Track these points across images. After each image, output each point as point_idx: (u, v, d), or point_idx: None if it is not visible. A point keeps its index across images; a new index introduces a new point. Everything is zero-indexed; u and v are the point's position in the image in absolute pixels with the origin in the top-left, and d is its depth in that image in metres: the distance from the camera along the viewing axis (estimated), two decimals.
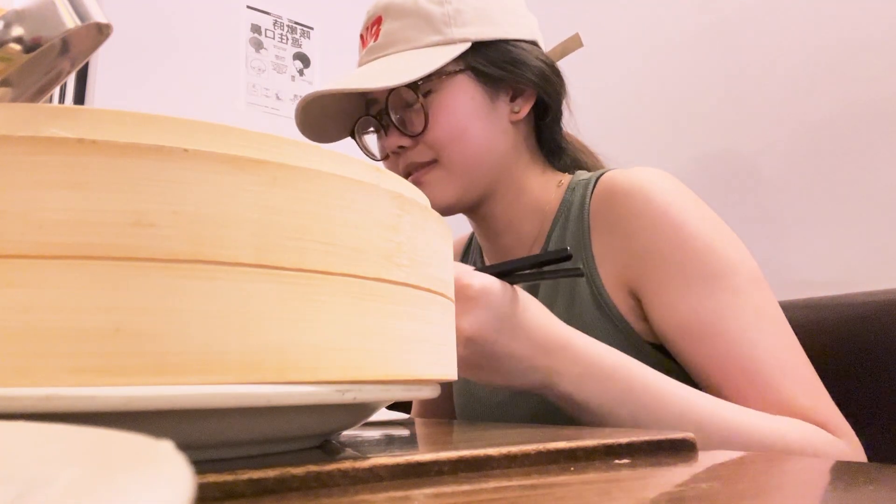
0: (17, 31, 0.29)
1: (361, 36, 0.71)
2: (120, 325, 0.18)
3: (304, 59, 1.89)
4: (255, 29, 1.81)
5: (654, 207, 0.58)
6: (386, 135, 0.69)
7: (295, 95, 1.86)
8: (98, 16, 0.32)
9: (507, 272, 0.49)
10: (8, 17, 0.29)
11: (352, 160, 0.25)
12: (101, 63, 1.51)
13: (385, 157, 0.71)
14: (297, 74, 1.88)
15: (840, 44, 0.94)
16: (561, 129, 0.73)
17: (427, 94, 0.65)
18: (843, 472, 0.27)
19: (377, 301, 0.23)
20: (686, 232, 0.56)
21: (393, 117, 0.66)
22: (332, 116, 0.71)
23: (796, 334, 0.53)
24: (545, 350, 0.49)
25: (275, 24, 1.85)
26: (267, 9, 1.84)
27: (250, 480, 0.20)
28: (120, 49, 1.52)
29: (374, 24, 0.69)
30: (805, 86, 0.98)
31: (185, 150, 0.20)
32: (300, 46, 1.90)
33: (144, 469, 0.10)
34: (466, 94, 0.66)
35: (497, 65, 0.66)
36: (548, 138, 0.73)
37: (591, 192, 0.64)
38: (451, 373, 0.29)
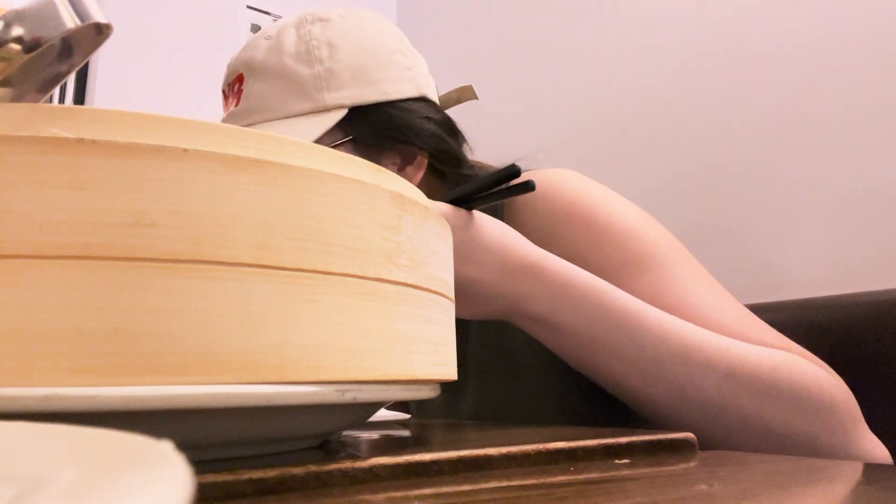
0: (17, 31, 0.29)
1: (223, 91, 0.63)
2: (120, 325, 0.18)
3: None
4: (255, 29, 1.81)
5: (560, 210, 0.56)
6: None
7: None
8: (98, 16, 0.32)
9: (460, 198, 0.48)
10: (8, 17, 0.29)
11: (352, 160, 0.25)
12: (101, 63, 1.51)
13: None
14: None
15: (836, 42, 0.94)
16: (467, 165, 0.65)
17: None
18: (843, 472, 0.27)
19: (377, 301, 0.23)
20: (598, 224, 0.54)
21: None
22: None
23: (795, 334, 0.53)
24: (510, 273, 0.47)
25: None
26: (267, 9, 1.84)
27: (250, 480, 0.20)
28: (120, 49, 1.52)
29: (236, 81, 0.60)
30: (802, 84, 0.98)
31: (185, 150, 0.20)
32: None
33: (144, 469, 0.10)
34: None
35: (379, 132, 0.59)
36: (452, 179, 0.65)
37: (501, 205, 0.61)
38: (451, 373, 0.29)
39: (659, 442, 0.31)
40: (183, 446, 0.12)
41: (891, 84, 0.89)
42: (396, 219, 0.25)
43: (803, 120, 0.98)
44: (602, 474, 0.25)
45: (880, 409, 0.55)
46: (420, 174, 0.62)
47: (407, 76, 0.61)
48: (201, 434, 0.22)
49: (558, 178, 0.58)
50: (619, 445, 0.30)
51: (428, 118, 0.61)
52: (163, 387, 0.18)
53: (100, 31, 0.34)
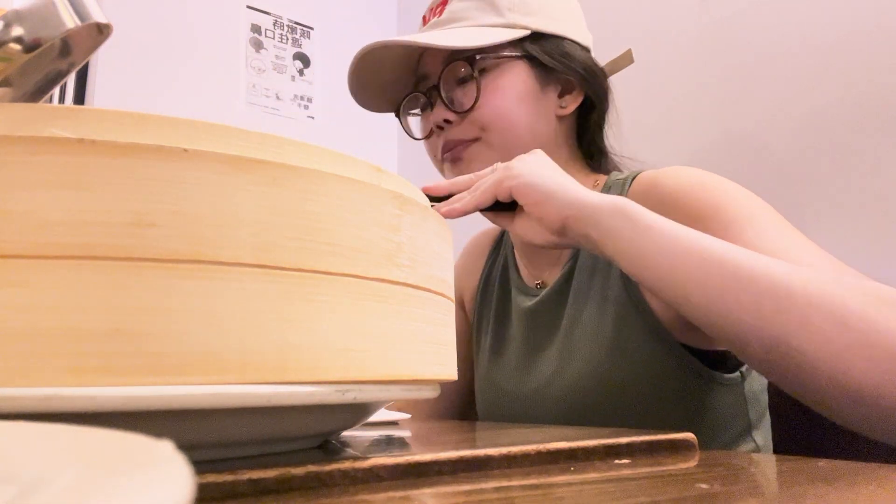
0: (17, 31, 0.29)
1: (424, 17, 0.74)
2: (120, 325, 0.18)
3: (304, 59, 1.89)
4: (255, 29, 1.81)
5: (685, 183, 0.60)
6: (432, 109, 0.70)
7: (295, 96, 1.86)
8: (98, 16, 0.32)
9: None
10: (8, 17, 0.29)
11: (352, 160, 0.25)
12: (101, 63, 1.51)
13: (427, 136, 0.72)
14: (297, 74, 1.87)
15: (837, 40, 0.94)
16: (603, 134, 0.75)
17: (482, 71, 0.68)
18: (843, 472, 0.27)
19: (377, 301, 0.23)
20: (719, 190, 0.57)
21: (443, 91, 0.68)
22: (381, 85, 0.73)
23: None
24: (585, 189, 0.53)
25: (275, 24, 1.85)
26: (267, 9, 1.84)
27: (250, 480, 0.20)
28: (120, 49, 1.52)
29: (441, 4, 0.72)
30: (805, 84, 0.98)
31: (185, 150, 0.20)
32: (300, 46, 1.90)
33: (144, 469, 0.10)
34: (519, 79, 0.68)
35: (552, 56, 0.69)
36: (589, 140, 0.74)
37: (627, 192, 0.65)
38: (451, 372, 0.29)
39: (659, 442, 0.31)
40: (183, 446, 0.12)
41: (893, 82, 0.89)
42: (396, 219, 0.25)
43: (803, 121, 0.98)
44: (602, 474, 0.25)
45: None
46: (574, 105, 0.71)
47: (582, 28, 0.73)
48: (201, 434, 0.22)
49: (682, 170, 0.63)
50: (619, 445, 0.30)
51: (592, 60, 0.72)
52: (163, 387, 0.18)
53: (100, 31, 0.34)
